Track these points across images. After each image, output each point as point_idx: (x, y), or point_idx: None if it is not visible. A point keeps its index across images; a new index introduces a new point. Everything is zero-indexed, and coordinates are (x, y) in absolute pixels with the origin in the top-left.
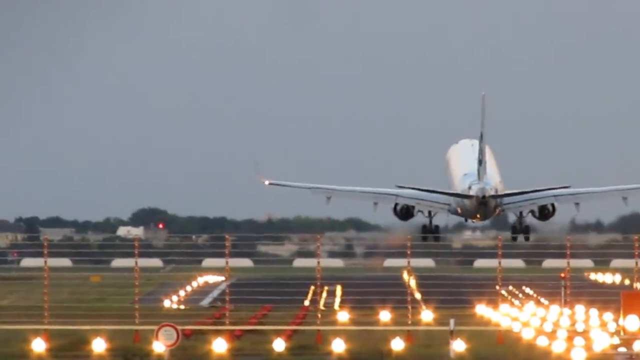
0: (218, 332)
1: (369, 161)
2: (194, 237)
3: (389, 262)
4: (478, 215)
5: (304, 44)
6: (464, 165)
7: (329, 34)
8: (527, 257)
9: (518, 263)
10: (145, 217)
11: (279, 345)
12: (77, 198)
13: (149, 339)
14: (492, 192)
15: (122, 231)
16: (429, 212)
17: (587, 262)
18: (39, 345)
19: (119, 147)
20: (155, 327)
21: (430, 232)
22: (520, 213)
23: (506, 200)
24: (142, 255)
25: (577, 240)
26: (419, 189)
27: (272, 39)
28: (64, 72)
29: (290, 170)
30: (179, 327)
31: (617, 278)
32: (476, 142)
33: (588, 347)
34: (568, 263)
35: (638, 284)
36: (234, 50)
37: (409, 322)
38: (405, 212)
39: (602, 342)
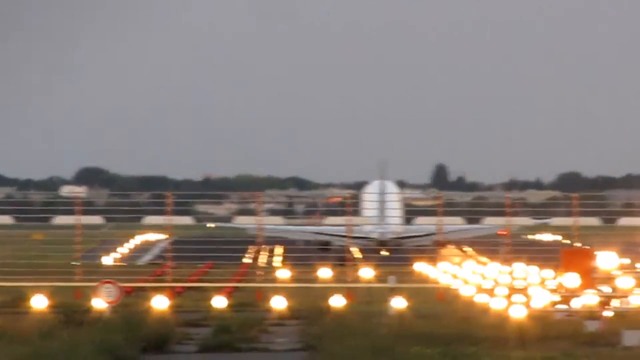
0: (159, 289)
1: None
2: (134, 195)
3: (330, 220)
4: (382, 251)
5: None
6: (371, 207)
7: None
8: (467, 215)
9: (458, 221)
10: (88, 176)
11: (219, 302)
12: (20, 157)
13: (89, 295)
14: (391, 236)
15: (65, 190)
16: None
17: (527, 220)
18: None
19: (63, 108)
20: (96, 284)
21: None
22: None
23: (406, 235)
24: (84, 213)
25: (516, 198)
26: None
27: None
28: None
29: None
30: (120, 284)
31: (556, 237)
32: (386, 184)
33: (527, 304)
34: (508, 221)
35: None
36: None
37: (349, 279)
38: (324, 244)
39: (541, 299)
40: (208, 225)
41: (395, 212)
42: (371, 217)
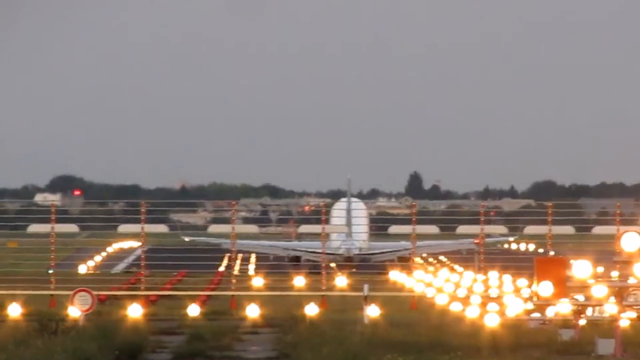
0: (133, 297)
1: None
2: (110, 203)
3: (304, 229)
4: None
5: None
6: (338, 224)
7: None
8: (442, 223)
9: (433, 229)
10: (62, 184)
11: (193, 310)
12: None
13: (64, 303)
14: (357, 251)
15: (39, 198)
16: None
17: (501, 229)
18: None
19: (38, 117)
20: (70, 292)
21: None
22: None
23: (371, 252)
24: (59, 221)
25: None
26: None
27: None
28: None
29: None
30: (94, 292)
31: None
32: (355, 201)
33: (501, 313)
34: (482, 229)
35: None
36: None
37: (323, 287)
38: (295, 259)
39: (515, 307)
40: (183, 238)
41: (361, 229)
42: (339, 234)
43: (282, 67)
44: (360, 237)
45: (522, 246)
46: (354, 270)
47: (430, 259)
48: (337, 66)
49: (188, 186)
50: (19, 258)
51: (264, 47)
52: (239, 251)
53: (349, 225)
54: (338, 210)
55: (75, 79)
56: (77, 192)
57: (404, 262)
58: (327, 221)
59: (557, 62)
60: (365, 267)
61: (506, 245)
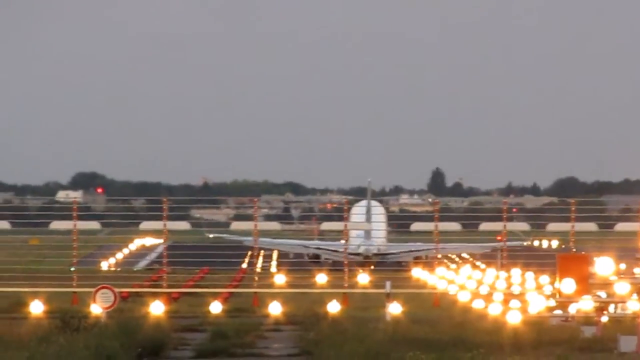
0: (155, 295)
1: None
2: (132, 200)
3: (326, 226)
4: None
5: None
6: (356, 228)
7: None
8: (464, 220)
9: (455, 226)
10: (84, 181)
11: (216, 307)
12: (17, 162)
13: (86, 301)
14: (375, 251)
15: (61, 195)
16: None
17: (523, 226)
18: None
19: (59, 113)
20: (92, 290)
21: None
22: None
23: (389, 251)
24: (81, 218)
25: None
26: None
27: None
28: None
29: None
30: (117, 290)
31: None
32: (373, 204)
33: (524, 310)
34: (504, 227)
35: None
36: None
37: (346, 284)
38: (315, 257)
39: (537, 304)
40: (207, 234)
41: (380, 230)
42: (357, 235)
43: (302, 61)
44: (379, 239)
45: (545, 243)
46: (372, 268)
47: (453, 257)
48: (358, 59)
49: (210, 183)
50: (40, 255)
51: (284, 41)
52: (261, 248)
53: (369, 222)
54: (357, 211)
55: (96, 75)
56: (99, 190)
57: (420, 263)
58: (348, 220)
59: (579, 51)
60: (386, 265)
61: (526, 243)
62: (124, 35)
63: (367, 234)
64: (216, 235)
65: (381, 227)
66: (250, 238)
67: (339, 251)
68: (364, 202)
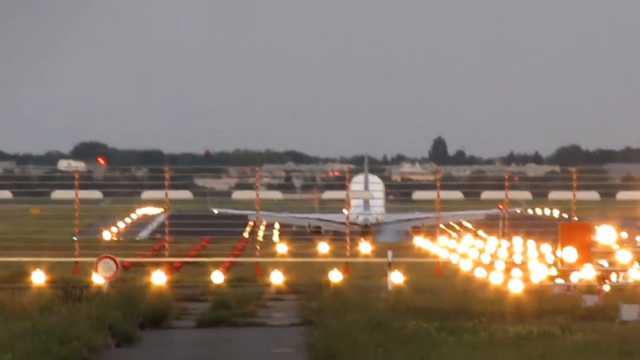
0: (157, 264)
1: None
2: (133, 169)
3: (327, 195)
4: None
5: None
6: (357, 197)
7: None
8: (466, 189)
9: (457, 195)
10: (86, 150)
11: (217, 277)
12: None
13: (88, 270)
14: (374, 221)
15: (63, 164)
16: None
17: (526, 194)
18: None
19: (62, 84)
20: (94, 259)
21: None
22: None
23: (387, 220)
24: (82, 187)
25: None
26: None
27: None
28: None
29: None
30: (118, 259)
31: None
32: (371, 177)
33: (526, 279)
34: (506, 195)
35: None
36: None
37: (347, 253)
38: (316, 230)
39: (539, 273)
40: (212, 210)
41: (378, 201)
42: (356, 206)
43: (302, 29)
44: (378, 208)
45: (547, 211)
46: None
47: (455, 225)
48: (359, 27)
49: (212, 152)
50: (42, 225)
51: (287, 14)
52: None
53: (366, 199)
54: (355, 185)
55: (98, 44)
56: (101, 161)
57: (419, 232)
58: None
59: (581, 23)
60: (387, 233)
61: (530, 211)
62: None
63: (366, 204)
64: (221, 210)
65: (379, 201)
66: (253, 212)
67: (339, 222)
68: (361, 176)
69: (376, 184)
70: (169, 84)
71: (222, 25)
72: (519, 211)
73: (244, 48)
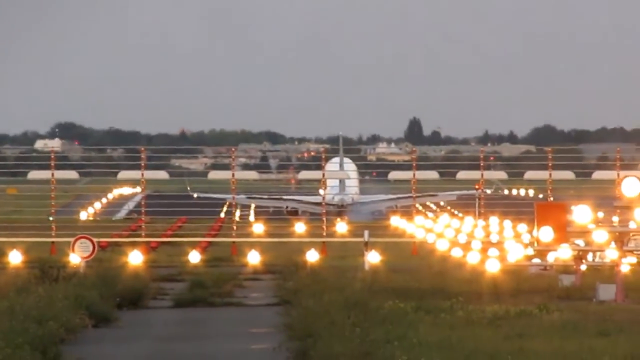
0: (134, 244)
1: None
2: (109, 149)
3: (303, 175)
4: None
5: None
6: (332, 181)
7: None
8: (442, 168)
9: (433, 175)
10: (62, 130)
11: (194, 257)
12: None
13: (65, 251)
14: (350, 201)
15: (39, 144)
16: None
17: (501, 174)
18: None
19: (39, 63)
20: (71, 239)
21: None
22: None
23: (362, 201)
24: (59, 167)
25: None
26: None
27: None
28: None
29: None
30: (95, 239)
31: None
32: (345, 160)
33: (502, 259)
34: (482, 175)
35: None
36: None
37: (324, 233)
38: (292, 212)
39: (516, 253)
40: (192, 194)
41: (353, 183)
42: (332, 187)
43: (280, 9)
44: (353, 189)
45: (522, 192)
46: (347, 215)
47: (431, 205)
48: (336, 8)
49: (188, 132)
50: (19, 205)
51: None
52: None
53: (342, 180)
54: (331, 165)
55: (74, 24)
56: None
57: (395, 213)
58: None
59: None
60: (362, 214)
61: (506, 191)
62: None
63: (342, 185)
64: (199, 195)
65: (353, 182)
66: (230, 196)
67: (316, 202)
68: (336, 158)
69: (351, 169)
70: (146, 65)
71: (200, 7)
72: (489, 191)
73: (220, 29)
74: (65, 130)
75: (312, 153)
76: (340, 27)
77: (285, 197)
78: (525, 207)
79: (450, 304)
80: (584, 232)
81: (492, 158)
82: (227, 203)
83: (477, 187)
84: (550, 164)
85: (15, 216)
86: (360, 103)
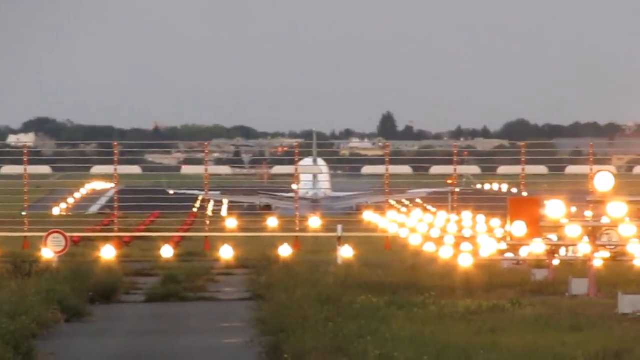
0: (106, 239)
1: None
2: (82, 144)
3: (277, 170)
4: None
5: None
6: (305, 176)
7: None
8: (415, 163)
9: (406, 170)
10: (36, 126)
11: (167, 251)
12: None
13: (37, 245)
14: (322, 196)
15: (12, 139)
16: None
17: (474, 169)
18: None
19: (13, 59)
20: (44, 234)
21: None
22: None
23: (333, 197)
24: (32, 162)
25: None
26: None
27: None
28: None
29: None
30: (68, 234)
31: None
32: (318, 160)
33: (475, 253)
34: (455, 170)
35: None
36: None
37: (297, 228)
38: (266, 207)
39: (489, 248)
40: (168, 191)
41: (325, 181)
42: (305, 182)
43: (254, 3)
44: (325, 184)
45: (495, 186)
46: (320, 210)
47: (404, 200)
48: (309, 2)
49: (161, 127)
50: None
51: None
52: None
53: (315, 178)
54: (303, 167)
55: (45, 18)
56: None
57: (363, 209)
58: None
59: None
60: (335, 209)
61: (479, 186)
62: None
63: (315, 180)
64: (177, 191)
65: (325, 177)
66: (204, 192)
67: (289, 197)
68: (308, 159)
69: (323, 170)
70: (119, 59)
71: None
72: (458, 190)
73: (195, 24)
74: (39, 125)
75: (285, 148)
76: (313, 22)
77: (259, 191)
78: (499, 201)
79: (423, 299)
80: (557, 227)
81: (465, 153)
82: (201, 198)
83: (449, 182)
84: (523, 159)
85: None
86: (334, 98)
